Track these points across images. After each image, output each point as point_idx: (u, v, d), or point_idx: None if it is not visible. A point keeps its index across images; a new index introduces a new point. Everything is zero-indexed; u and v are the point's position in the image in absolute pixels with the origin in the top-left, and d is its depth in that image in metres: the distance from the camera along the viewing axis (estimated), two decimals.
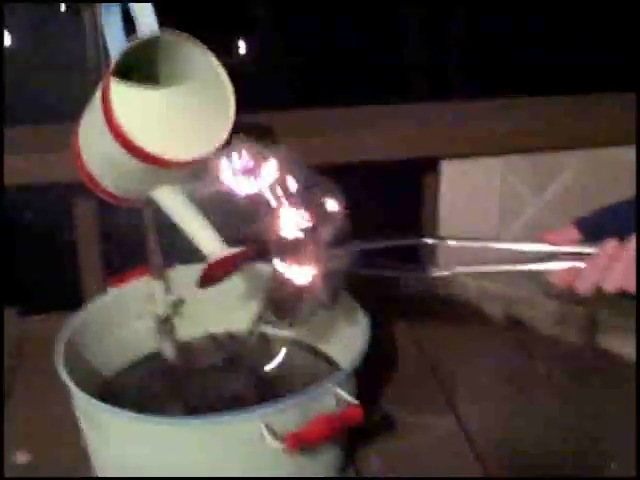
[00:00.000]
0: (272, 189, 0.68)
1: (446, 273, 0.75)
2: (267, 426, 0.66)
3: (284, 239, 0.68)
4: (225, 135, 0.71)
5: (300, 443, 0.66)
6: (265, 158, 0.68)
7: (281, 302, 0.73)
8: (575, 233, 0.71)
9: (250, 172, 0.68)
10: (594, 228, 0.70)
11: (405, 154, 1.13)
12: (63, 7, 1.63)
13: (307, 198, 0.69)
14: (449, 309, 1.13)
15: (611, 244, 0.66)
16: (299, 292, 0.70)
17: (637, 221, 0.58)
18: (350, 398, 0.70)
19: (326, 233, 0.69)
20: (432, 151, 1.15)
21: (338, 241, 0.70)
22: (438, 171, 1.18)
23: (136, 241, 0.88)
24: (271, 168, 0.68)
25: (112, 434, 0.70)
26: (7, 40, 1.66)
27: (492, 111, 1.22)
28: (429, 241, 0.77)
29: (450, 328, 1.08)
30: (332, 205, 0.69)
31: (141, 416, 0.66)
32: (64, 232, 1.16)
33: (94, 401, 0.68)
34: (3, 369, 0.81)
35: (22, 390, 0.95)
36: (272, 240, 0.68)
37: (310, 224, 0.68)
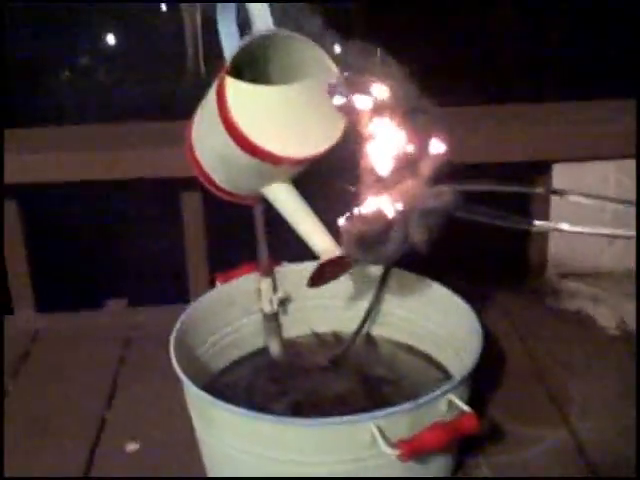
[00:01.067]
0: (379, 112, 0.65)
1: (550, 225, 0.70)
2: (380, 431, 0.65)
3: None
4: (339, 134, 0.70)
5: (414, 451, 0.65)
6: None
7: (368, 238, 0.66)
8: None
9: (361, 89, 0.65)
10: None
11: (517, 157, 1.09)
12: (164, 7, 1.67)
13: (413, 122, 0.65)
14: (560, 318, 1.09)
15: None
16: (388, 227, 0.65)
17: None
18: (465, 406, 0.67)
19: (428, 168, 0.65)
20: (545, 154, 1.11)
21: (440, 179, 0.66)
22: (550, 175, 1.13)
23: (242, 238, 0.88)
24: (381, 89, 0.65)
25: (222, 428, 0.70)
26: (110, 39, 1.72)
27: (601, 112, 1.17)
28: (541, 191, 0.70)
29: (562, 338, 1.04)
30: (436, 143, 0.64)
31: (256, 414, 0.66)
32: (171, 226, 1.16)
33: (207, 396, 0.69)
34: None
35: (130, 381, 0.97)
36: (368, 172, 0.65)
37: (413, 150, 0.64)
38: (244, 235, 0.86)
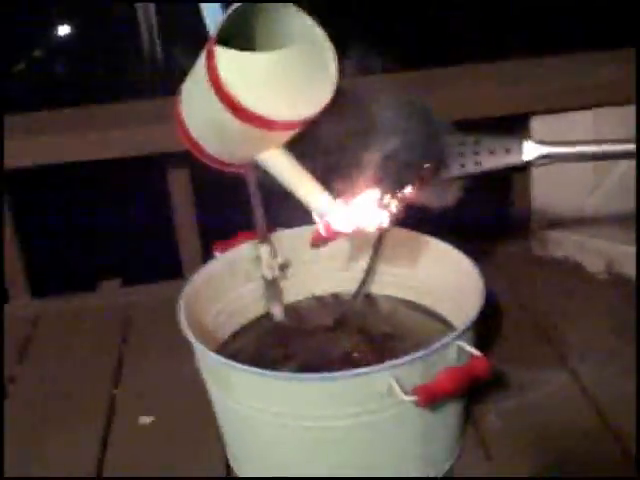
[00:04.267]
0: None
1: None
2: (397, 380, 0.66)
3: None
4: (329, 96, 0.71)
5: (431, 396, 0.66)
6: None
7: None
8: None
9: None
10: None
11: (495, 111, 1.11)
12: None
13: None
14: (548, 267, 1.12)
15: None
16: None
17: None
18: (475, 351, 0.69)
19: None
20: (522, 108, 1.13)
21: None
22: (528, 127, 1.15)
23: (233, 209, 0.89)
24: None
25: (240, 390, 0.71)
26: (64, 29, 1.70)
27: (578, 64, 1.20)
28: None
29: (552, 286, 1.07)
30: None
31: (274, 373, 0.68)
32: (161, 201, 1.17)
33: (224, 359, 0.70)
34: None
35: (133, 359, 0.98)
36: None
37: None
38: (235, 206, 0.87)
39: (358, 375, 0.67)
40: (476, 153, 0.73)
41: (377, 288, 0.92)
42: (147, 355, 0.97)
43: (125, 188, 1.41)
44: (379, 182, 0.70)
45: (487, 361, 0.68)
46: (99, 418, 0.87)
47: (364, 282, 0.90)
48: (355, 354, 0.83)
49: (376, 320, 0.89)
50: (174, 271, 1.16)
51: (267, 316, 0.90)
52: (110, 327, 1.05)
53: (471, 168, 0.73)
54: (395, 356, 0.68)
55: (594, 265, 1.10)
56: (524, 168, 0.74)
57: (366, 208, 0.70)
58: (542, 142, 0.73)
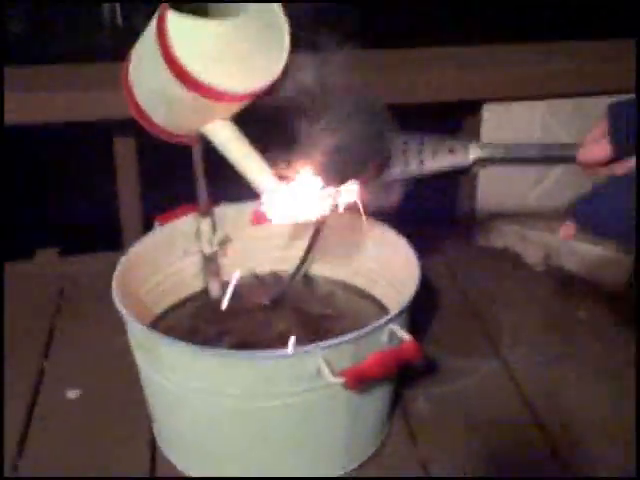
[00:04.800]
0: None
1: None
2: (325, 361, 0.66)
3: None
4: (280, 68, 0.70)
5: (359, 378, 0.67)
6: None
7: None
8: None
9: None
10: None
11: (448, 97, 1.11)
12: None
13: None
14: (488, 256, 1.13)
15: None
16: None
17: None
18: (406, 335, 0.69)
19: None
20: (474, 94, 1.14)
21: None
22: (480, 114, 1.16)
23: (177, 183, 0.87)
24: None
25: (169, 366, 0.70)
26: None
27: (532, 54, 1.20)
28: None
29: (491, 275, 1.08)
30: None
31: (205, 349, 0.67)
32: (104, 171, 1.14)
33: (155, 333, 0.69)
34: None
35: (65, 330, 0.96)
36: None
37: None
38: (179, 180, 0.86)
39: (287, 356, 0.66)
40: (420, 152, 0.73)
41: (316, 269, 0.92)
42: (80, 327, 0.96)
43: (71, 155, 1.38)
44: (323, 172, 0.70)
45: (417, 346, 0.69)
46: (25, 390, 0.85)
47: (303, 262, 0.89)
48: (290, 334, 0.82)
49: (313, 301, 0.89)
50: (115, 243, 1.13)
51: (204, 292, 0.89)
52: (44, 296, 1.03)
53: (415, 168, 0.73)
54: (329, 338, 0.68)
55: (533, 256, 1.12)
56: (466, 171, 0.75)
57: (307, 196, 0.70)
58: (485, 144, 0.73)
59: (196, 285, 0.90)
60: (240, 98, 0.70)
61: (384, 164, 0.73)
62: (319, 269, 0.92)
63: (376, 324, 0.69)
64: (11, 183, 1.31)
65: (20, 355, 0.90)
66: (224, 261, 0.90)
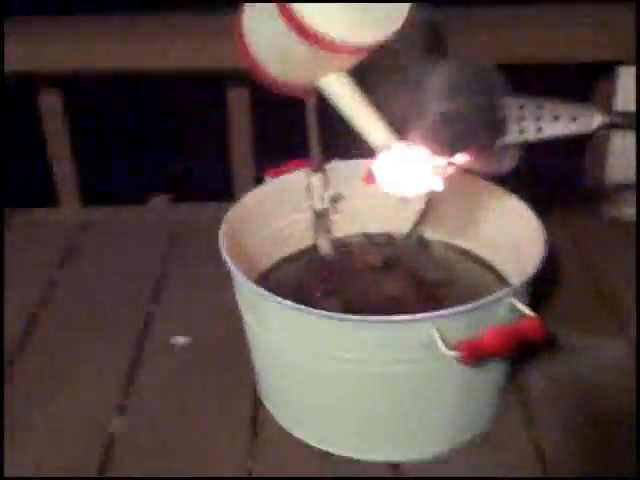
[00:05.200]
0: None
1: None
2: (439, 332, 0.62)
3: None
4: (400, 22, 0.65)
5: (476, 354, 0.62)
6: None
7: None
8: None
9: None
10: None
11: (581, 57, 1.03)
12: None
13: None
14: (619, 230, 1.05)
15: None
16: None
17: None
18: (528, 310, 0.64)
19: None
20: (610, 55, 1.04)
21: None
22: (615, 76, 1.07)
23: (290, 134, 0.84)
24: None
25: (274, 323, 0.69)
26: None
27: None
28: None
29: (619, 248, 1.00)
30: None
31: (309, 310, 0.64)
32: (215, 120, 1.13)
33: (259, 289, 0.67)
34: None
35: (177, 276, 0.96)
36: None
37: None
38: (292, 133, 0.82)
39: (397, 322, 0.63)
40: (538, 118, 0.68)
41: (431, 232, 0.87)
42: (190, 275, 0.96)
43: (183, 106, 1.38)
44: (435, 141, 0.66)
45: (541, 323, 0.64)
46: (133, 333, 0.86)
47: (418, 223, 0.85)
48: (402, 299, 0.79)
49: (428, 265, 0.85)
50: (228, 193, 1.13)
51: (314, 249, 0.86)
52: (156, 243, 1.03)
53: (532, 134, 0.68)
54: (442, 307, 0.64)
55: None
56: (589, 137, 0.69)
57: (420, 166, 0.66)
58: (611, 111, 0.68)
59: (306, 241, 0.87)
60: (358, 51, 0.66)
61: (498, 132, 0.68)
62: (435, 233, 0.87)
63: (496, 295, 0.64)
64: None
65: (128, 299, 0.91)
66: (335, 218, 0.86)
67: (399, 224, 0.87)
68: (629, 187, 1.09)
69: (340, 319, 0.65)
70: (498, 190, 0.81)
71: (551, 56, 1.04)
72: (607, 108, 1.04)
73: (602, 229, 1.06)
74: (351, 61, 0.68)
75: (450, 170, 0.67)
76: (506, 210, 0.80)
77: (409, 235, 0.86)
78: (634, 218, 1.06)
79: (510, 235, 0.79)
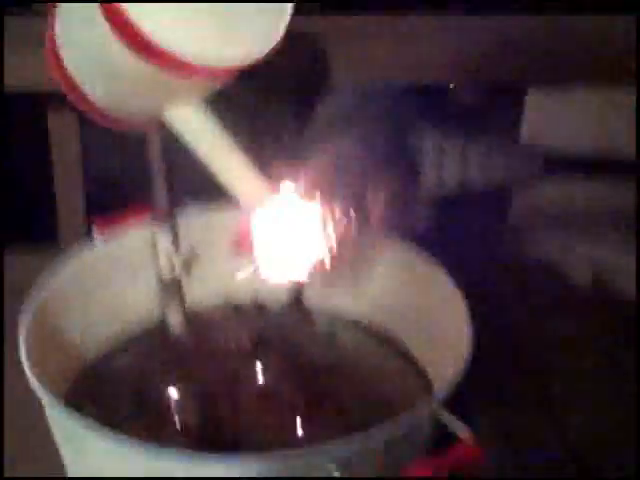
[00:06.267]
0: None
1: None
2: (339, 467, 0.47)
3: None
4: (278, 34, 0.52)
5: None
6: None
7: None
8: None
9: None
10: None
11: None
12: None
13: None
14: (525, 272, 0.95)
15: None
16: None
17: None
18: (462, 428, 0.49)
19: None
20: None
21: None
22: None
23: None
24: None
25: (99, 461, 0.51)
26: None
27: None
28: None
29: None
30: None
31: (154, 448, 0.46)
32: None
33: (72, 414, 0.50)
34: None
35: None
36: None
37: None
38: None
39: (275, 458, 0.47)
40: (462, 159, 0.61)
41: (317, 299, 0.74)
42: None
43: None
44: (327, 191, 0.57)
45: (478, 447, 0.48)
46: None
47: (298, 289, 0.73)
48: (278, 393, 0.65)
49: (311, 343, 0.72)
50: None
51: (161, 327, 0.71)
52: None
53: (454, 181, 0.62)
54: (335, 404, 0.58)
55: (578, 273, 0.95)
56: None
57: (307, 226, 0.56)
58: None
59: (150, 318, 0.72)
60: (219, 74, 0.53)
61: (409, 178, 0.61)
62: (320, 299, 0.74)
63: (414, 414, 0.50)
64: None
65: None
66: (190, 286, 0.71)
67: (274, 291, 0.74)
68: None
69: (196, 459, 0.47)
70: (401, 246, 0.69)
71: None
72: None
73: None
74: (209, 87, 0.56)
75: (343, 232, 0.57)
76: (410, 270, 0.68)
77: (287, 305, 0.73)
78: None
79: (417, 302, 0.67)
